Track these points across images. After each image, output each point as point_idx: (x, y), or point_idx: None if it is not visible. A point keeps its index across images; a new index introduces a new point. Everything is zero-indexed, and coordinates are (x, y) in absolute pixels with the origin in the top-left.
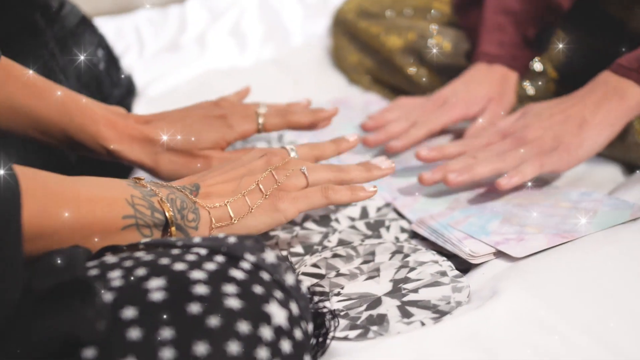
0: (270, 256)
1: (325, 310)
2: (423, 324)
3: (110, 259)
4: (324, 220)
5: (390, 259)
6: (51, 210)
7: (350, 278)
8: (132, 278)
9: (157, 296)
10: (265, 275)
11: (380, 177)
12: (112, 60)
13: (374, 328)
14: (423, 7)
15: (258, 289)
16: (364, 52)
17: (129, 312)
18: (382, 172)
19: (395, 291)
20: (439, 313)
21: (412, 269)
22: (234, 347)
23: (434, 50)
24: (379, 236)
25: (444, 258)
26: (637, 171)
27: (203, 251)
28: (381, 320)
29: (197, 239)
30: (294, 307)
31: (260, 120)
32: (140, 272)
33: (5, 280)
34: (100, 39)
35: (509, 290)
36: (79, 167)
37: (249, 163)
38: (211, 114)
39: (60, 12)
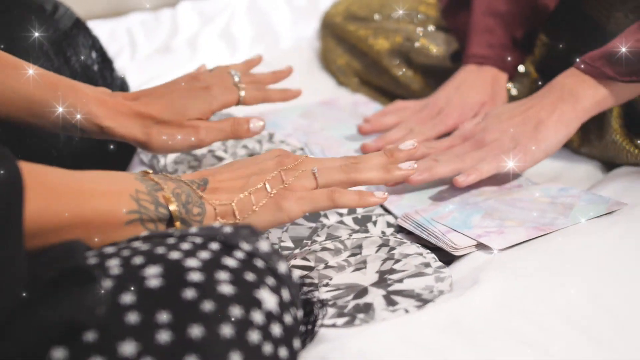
0: (264, 245)
1: (314, 299)
2: (407, 311)
3: (108, 249)
4: (313, 215)
5: (377, 251)
6: (53, 206)
7: (338, 270)
8: (129, 266)
9: (154, 283)
10: (259, 263)
11: (400, 178)
12: (106, 62)
13: (361, 316)
14: (410, 11)
15: (250, 276)
16: (352, 54)
17: (127, 298)
18: (402, 172)
19: (381, 281)
20: (422, 301)
21: (398, 261)
22: (227, 330)
23: (421, 53)
24: (366, 231)
25: (428, 250)
26: (615, 169)
27: (198, 240)
28: (367, 308)
29: (193, 229)
30: (285, 294)
31: (242, 94)
32: (138, 260)
33: (8, 275)
34: (94, 41)
35: (490, 279)
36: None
37: (261, 162)
38: (195, 86)
39: (55, 15)
